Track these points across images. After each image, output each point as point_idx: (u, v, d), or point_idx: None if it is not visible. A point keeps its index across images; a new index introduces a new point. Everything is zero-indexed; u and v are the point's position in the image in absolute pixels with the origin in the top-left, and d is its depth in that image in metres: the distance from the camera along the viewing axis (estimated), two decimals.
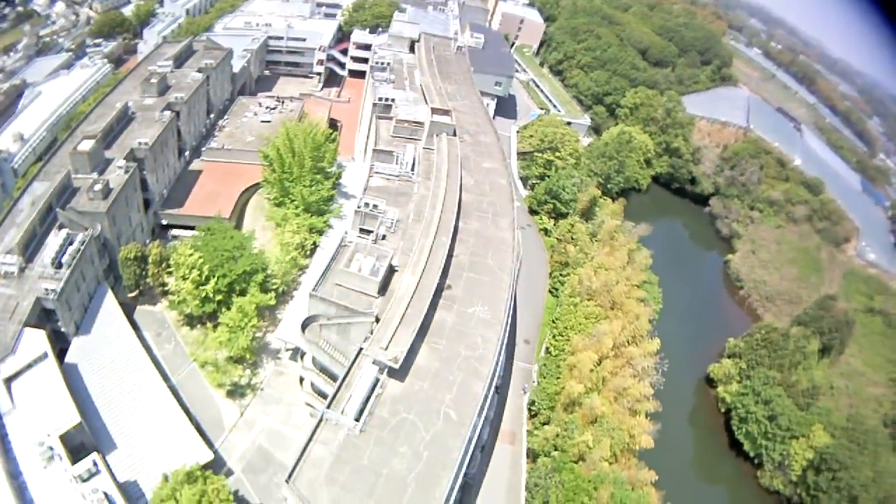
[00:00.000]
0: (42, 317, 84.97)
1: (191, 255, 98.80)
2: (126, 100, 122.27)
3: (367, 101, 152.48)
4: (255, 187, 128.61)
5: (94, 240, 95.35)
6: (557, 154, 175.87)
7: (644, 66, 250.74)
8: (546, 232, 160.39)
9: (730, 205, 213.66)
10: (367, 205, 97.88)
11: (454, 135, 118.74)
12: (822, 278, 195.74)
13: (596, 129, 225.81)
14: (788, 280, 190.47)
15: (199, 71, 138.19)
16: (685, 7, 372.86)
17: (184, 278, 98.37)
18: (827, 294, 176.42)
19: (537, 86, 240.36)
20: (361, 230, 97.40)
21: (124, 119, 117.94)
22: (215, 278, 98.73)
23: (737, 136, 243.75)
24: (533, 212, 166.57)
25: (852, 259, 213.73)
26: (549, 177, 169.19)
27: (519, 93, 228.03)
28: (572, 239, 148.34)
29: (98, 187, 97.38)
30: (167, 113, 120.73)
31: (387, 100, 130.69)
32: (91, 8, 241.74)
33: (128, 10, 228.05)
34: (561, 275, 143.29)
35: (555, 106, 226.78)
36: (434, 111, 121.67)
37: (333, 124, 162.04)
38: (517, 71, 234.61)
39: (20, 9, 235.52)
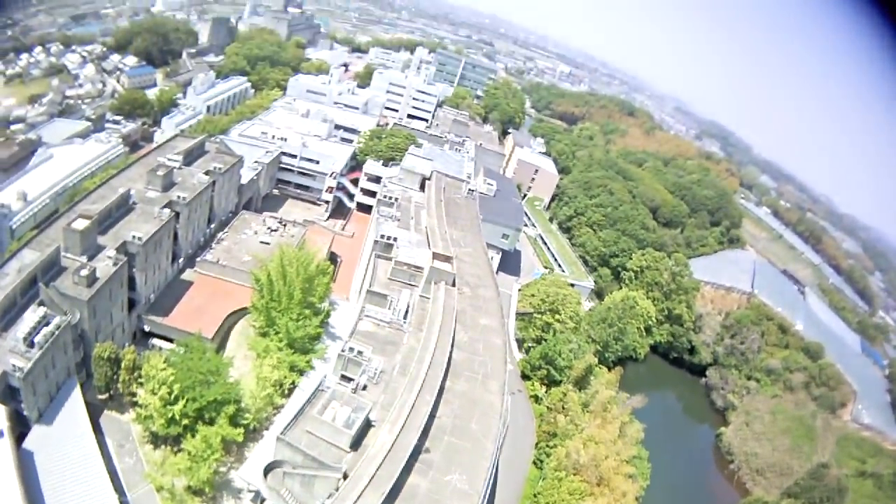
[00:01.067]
0: (7, 393, 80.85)
1: (163, 369, 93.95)
2: (130, 187, 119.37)
3: (369, 237, 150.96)
4: (243, 311, 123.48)
5: (71, 328, 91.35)
6: (557, 317, 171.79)
7: (653, 227, 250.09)
8: (536, 399, 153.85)
9: (727, 375, 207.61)
10: (351, 350, 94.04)
11: (453, 284, 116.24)
12: (815, 447, 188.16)
13: (598, 293, 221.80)
14: (781, 451, 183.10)
15: (207, 173, 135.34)
16: (699, 163, 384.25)
17: (153, 392, 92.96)
18: (820, 462, 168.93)
19: (544, 242, 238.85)
20: (342, 377, 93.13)
21: (124, 207, 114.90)
22: (184, 400, 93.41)
23: (740, 303, 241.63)
24: (525, 377, 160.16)
25: (847, 424, 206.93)
26: (546, 340, 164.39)
27: (525, 248, 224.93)
28: (563, 408, 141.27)
29: (84, 272, 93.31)
30: (166, 211, 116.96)
31: (389, 238, 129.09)
32: (119, 81, 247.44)
33: (152, 93, 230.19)
34: (548, 445, 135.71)
35: (560, 265, 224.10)
36: (435, 256, 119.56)
37: (333, 258, 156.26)
38: (525, 224, 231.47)
39: (53, 59, 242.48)
